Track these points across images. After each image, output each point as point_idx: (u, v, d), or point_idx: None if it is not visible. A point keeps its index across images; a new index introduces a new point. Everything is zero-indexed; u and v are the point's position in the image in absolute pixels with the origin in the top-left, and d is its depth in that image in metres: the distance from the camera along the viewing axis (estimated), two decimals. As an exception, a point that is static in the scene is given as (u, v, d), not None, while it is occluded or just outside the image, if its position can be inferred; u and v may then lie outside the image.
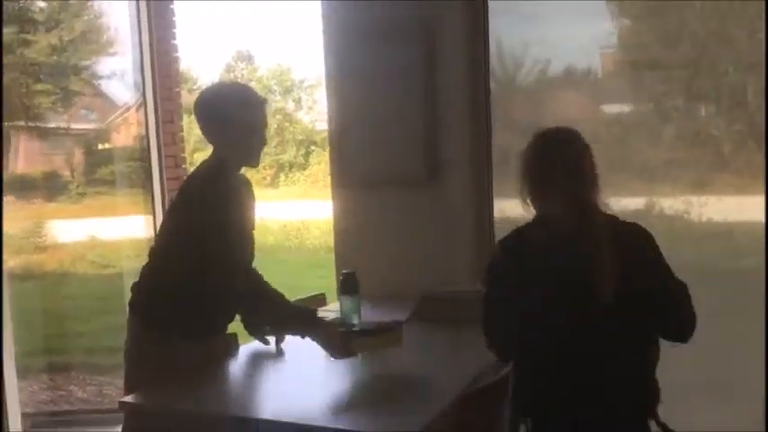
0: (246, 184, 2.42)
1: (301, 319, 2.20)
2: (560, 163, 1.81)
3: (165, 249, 2.30)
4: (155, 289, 2.28)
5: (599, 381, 1.77)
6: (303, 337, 2.15)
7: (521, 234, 1.89)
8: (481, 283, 1.92)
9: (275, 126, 17.35)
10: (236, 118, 2.24)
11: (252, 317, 2.40)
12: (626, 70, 3.15)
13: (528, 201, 1.88)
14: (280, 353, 2.36)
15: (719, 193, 2.89)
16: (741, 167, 2.89)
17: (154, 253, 2.35)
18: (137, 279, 2.35)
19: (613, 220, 1.83)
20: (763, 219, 2.80)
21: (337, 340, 2.09)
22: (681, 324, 1.83)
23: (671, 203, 2.95)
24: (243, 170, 2.37)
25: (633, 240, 1.81)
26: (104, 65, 5.90)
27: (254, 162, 2.35)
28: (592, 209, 1.80)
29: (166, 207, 3.93)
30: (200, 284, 2.15)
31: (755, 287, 2.72)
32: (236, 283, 2.22)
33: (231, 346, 2.38)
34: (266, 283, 2.34)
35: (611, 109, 3.20)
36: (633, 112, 3.11)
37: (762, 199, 2.81)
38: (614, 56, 3.18)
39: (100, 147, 5.92)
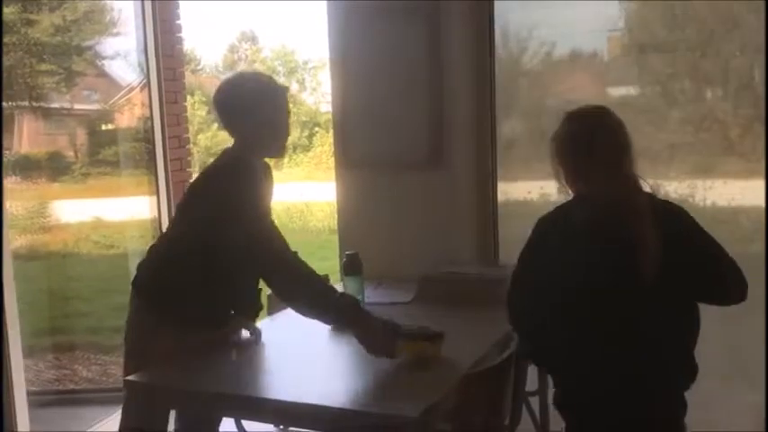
0: (267, 168, 2.39)
1: (346, 312, 2.09)
2: (601, 138, 1.81)
3: (180, 237, 2.27)
4: (162, 272, 2.27)
5: (645, 359, 1.77)
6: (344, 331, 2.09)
7: (562, 211, 1.88)
8: (519, 259, 1.91)
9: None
10: (259, 111, 2.19)
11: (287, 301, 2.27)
12: (632, 53, 3.13)
13: (564, 182, 1.89)
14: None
15: (725, 176, 2.88)
16: (747, 151, 2.87)
17: (167, 238, 2.34)
18: (143, 258, 2.35)
19: (651, 197, 1.84)
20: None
21: (380, 340, 2.02)
22: (724, 284, 1.84)
23: (676, 187, 2.94)
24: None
25: (674, 217, 1.83)
26: (108, 45, 5.87)
27: (280, 153, 2.32)
28: (633, 184, 1.81)
29: (172, 190, 3.93)
30: (211, 277, 2.14)
31: (760, 272, 2.73)
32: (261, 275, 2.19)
33: (241, 331, 2.37)
34: (310, 270, 2.19)
35: (617, 92, 3.18)
36: (639, 95, 3.10)
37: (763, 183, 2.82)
38: (621, 39, 3.16)
39: (103, 127, 5.91)
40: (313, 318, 2.14)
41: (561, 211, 1.89)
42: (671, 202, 1.90)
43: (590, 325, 1.77)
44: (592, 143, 1.81)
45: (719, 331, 2.76)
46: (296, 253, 2.24)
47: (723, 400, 2.77)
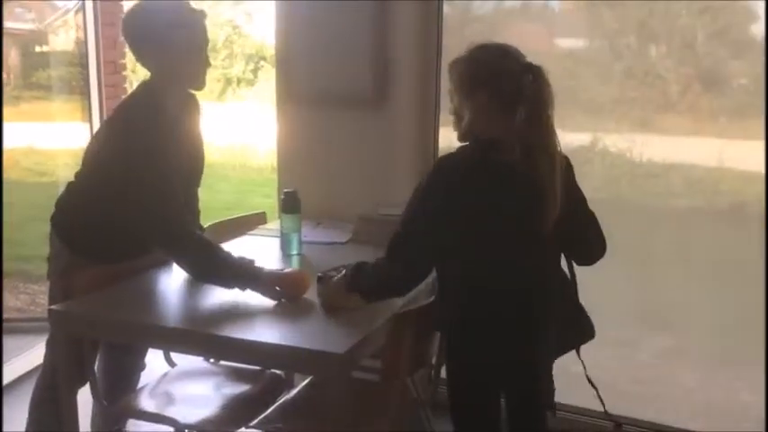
0: (190, 100, 2.31)
1: (243, 276, 2.04)
2: (529, 84, 1.71)
3: (91, 173, 2.21)
4: (77, 209, 2.22)
5: (540, 306, 1.83)
6: (243, 290, 2.05)
7: (461, 156, 1.82)
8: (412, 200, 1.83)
9: (224, 38, 16.79)
10: (172, 39, 2.05)
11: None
12: (583, 6, 3.13)
13: (468, 123, 1.79)
14: None
15: (662, 132, 2.94)
16: (685, 109, 2.93)
17: (81, 174, 2.26)
18: (61, 194, 2.28)
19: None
20: (698, 161, 2.89)
21: (274, 292, 2.02)
22: (601, 249, 1.91)
23: (615, 140, 2.99)
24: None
25: (565, 168, 1.83)
26: (44, -39, 5.56)
27: (199, 84, 2.19)
28: (552, 133, 1.76)
29: (104, 117, 3.81)
30: (124, 211, 2.07)
31: (684, 226, 2.85)
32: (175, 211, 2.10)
33: (163, 260, 2.35)
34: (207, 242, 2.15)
35: (565, 43, 3.18)
36: (586, 48, 3.11)
37: (699, 141, 2.90)
38: (573, -10, 3.15)
39: (37, 49, 5.64)
40: (211, 284, 2.10)
41: (465, 153, 1.81)
42: (562, 152, 1.84)
43: (492, 258, 1.78)
44: (520, 86, 1.71)
45: (647, 279, 2.89)
46: (186, 219, 2.18)
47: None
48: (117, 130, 2.13)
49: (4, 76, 5.37)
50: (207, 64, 2.15)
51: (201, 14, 2.13)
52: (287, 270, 2.10)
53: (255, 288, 2.02)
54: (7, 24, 5.53)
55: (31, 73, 5.29)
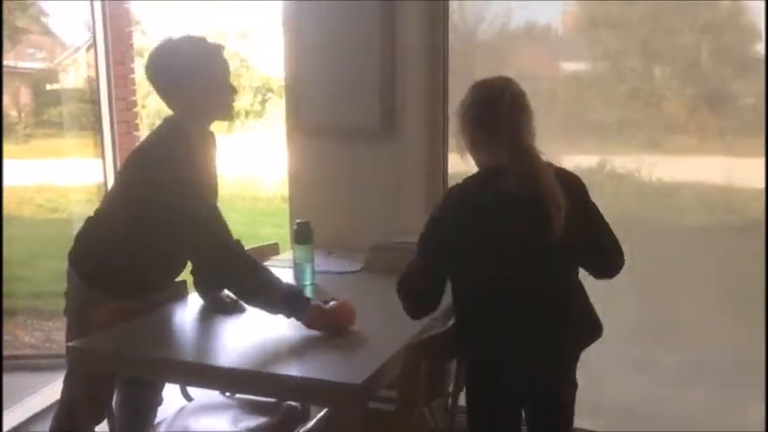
0: (210, 137, 2.34)
1: (291, 302, 2.05)
2: (506, 108, 1.81)
3: (116, 209, 2.23)
4: (98, 246, 2.23)
5: (553, 321, 1.84)
6: (288, 317, 2.04)
7: (474, 182, 1.88)
8: (423, 234, 1.89)
9: (231, 72, 16.94)
10: (197, 75, 2.11)
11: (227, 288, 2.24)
12: (585, 28, 3.16)
13: (470, 152, 1.92)
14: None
15: (670, 153, 2.96)
16: (692, 129, 2.95)
17: (102, 210, 2.29)
18: (80, 229, 2.30)
19: (552, 167, 1.88)
20: (707, 179, 2.90)
21: (319, 324, 2.01)
22: (619, 260, 1.96)
23: (623, 161, 3.01)
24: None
25: (573, 184, 1.89)
26: (53, 3, 5.67)
27: (229, 114, 2.25)
28: (534, 153, 1.83)
29: (119, 153, 3.85)
30: (149, 252, 2.12)
31: (695, 243, 2.86)
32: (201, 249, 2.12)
33: (180, 293, 2.37)
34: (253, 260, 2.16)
35: (569, 66, 3.21)
36: (590, 70, 3.13)
37: (707, 160, 2.91)
38: (575, 13, 3.18)
39: (48, 87, 5.72)
40: (255, 306, 2.11)
41: (472, 182, 1.88)
42: (567, 170, 1.93)
43: (505, 283, 1.81)
44: (497, 113, 1.81)
45: (660, 294, 2.89)
46: (238, 241, 2.18)
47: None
48: (152, 163, 2.14)
49: (16, 114, 5.45)
50: (234, 92, 2.22)
51: (219, 47, 2.19)
52: (332, 303, 2.08)
53: (301, 317, 2.01)
54: (19, 64, 5.63)
55: (43, 111, 5.37)
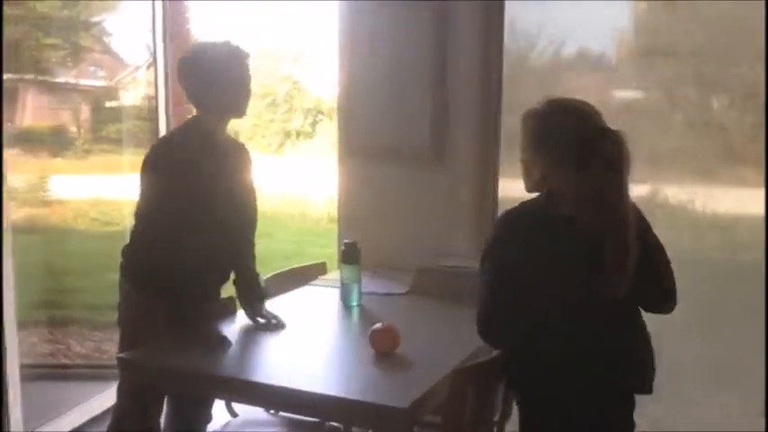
0: (236, 147, 2.42)
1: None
2: (609, 142, 1.69)
3: (142, 211, 2.28)
4: (138, 252, 2.28)
5: (611, 356, 1.77)
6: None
7: (535, 208, 1.80)
8: (484, 258, 1.81)
9: (284, 93, 17.24)
10: (224, 75, 2.22)
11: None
12: (639, 56, 3.12)
13: (538, 175, 1.78)
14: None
15: (726, 184, 2.89)
16: (750, 160, 2.88)
17: (136, 215, 2.34)
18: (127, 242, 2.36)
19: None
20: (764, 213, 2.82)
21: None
22: (673, 296, 1.86)
23: (675, 192, 2.95)
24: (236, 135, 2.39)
25: (637, 218, 1.80)
26: (115, 22, 5.86)
27: (241, 113, 2.33)
28: (628, 196, 1.73)
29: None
30: (174, 248, 2.14)
31: (753, 280, 2.75)
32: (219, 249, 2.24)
33: (227, 309, 2.39)
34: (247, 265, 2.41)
35: (622, 95, 3.18)
36: (644, 99, 3.10)
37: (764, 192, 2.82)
38: (628, 41, 3.15)
39: (107, 104, 5.90)
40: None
41: (533, 208, 1.80)
42: (634, 204, 1.82)
43: (569, 323, 1.74)
44: (592, 140, 1.70)
45: (715, 334, 2.81)
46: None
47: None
48: (150, 157, 2.26)
49: (75, 130, 5.63)
50: (250, 94, 2.32)
51: (245, 54, 2.30)
52: (377, 325, 2.08)
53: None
54: (81, 81, 5.82)
55: (101, 127, 5.53)
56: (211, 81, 2.23)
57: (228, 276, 2.42)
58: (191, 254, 2.14)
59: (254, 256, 2.49)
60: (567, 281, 1.73)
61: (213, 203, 2.23)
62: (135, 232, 2.33)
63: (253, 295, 2.41)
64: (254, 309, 2.37)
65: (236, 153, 2.41)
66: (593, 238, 1.69)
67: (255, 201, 2.49)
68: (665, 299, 1.87)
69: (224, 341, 2.13)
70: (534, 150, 1.79)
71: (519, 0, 2.98)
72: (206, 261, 2.23)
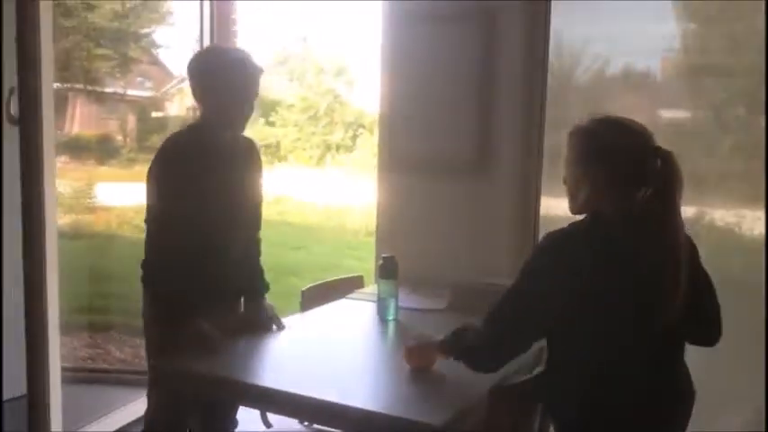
0: (241, 146, 2.39)
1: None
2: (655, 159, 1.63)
3: (150, 217, 2.27)
4: (152, 259, 2.27)
5: (654, 391, 1.71)
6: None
7: (575, 233, 1.71)
8: (522, 274, 1.73)
9: (325, 106, 17.41)
10: (232, 84, 2.21)
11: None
12: (686, 75, 3.07)
13: (586, 196, 1.71)
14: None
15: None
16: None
17: (145, 222, 2.32)
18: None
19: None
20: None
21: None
22: (718, 328, 1.80)
23: (722, 215, 2.88)
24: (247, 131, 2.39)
25: (691, 246, 1.74)
26: (163, 34, 5.99)
27: (240, 129, 2.32)
28: (678, 212, 1.65)
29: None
30: (185, 251, 2.14)
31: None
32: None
33: (258, 316, 2.38)
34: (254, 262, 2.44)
35: (669, 114, 3.13)
36: (691, 119, 3.04)
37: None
38: (675, 59, 3.10)
39: (153, 114, 6.02)
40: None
41: (578, 230, 1.71)
42: (685, 232, 1.72)
43: (605, 345, 1.67)
44: (644, 159, 1.64)
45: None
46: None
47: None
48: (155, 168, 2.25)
49: (121, 139, 5.76)
50: (252, 111, 2.29)
51: (258, 69, 2.28)
52: (412, 341, 2.06)
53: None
54: (128, 92, 5.95)
55: (147, 137, 5.64)
56: (213, 87, 2.21)
57: (241, 275, 2.43)
58: (202, 255, 2.15)
59: (260, 252, 2.50)
60: (613, 310, 1.66)
61: (214, 205, 2.21)
62: (146, 240, 2.31)
63: (258, 288, 2.43)
64: (257, 303, 2.39)
65: (240, 153, 2.38)
66: (642, 266, 1.63)
67: (260, 198, 2.48)
68: (710, 331, 1.80)
69: (219, 342, 2.11)
70: (581, 168, 1.72)
71: (565, 16, 2.96)
72: (218, 260, 2.24)
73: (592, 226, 1.71)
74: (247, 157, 2.41)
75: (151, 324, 2.30)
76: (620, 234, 1.66)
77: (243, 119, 2.29)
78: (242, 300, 2.44)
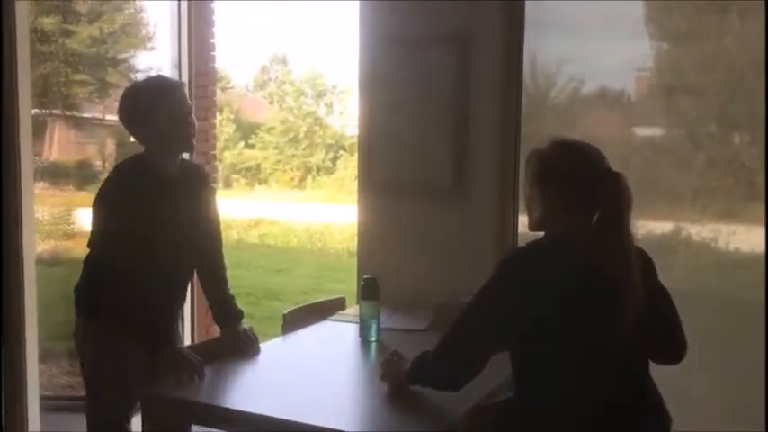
0: (189, 175, 2.40)
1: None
2: (601, 174, 1.71)
3: (91, 247, 2.30)
4: (87, 284, 2.30)
5: (621, 406, 1.71)
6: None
7: (539, 251, 1.76)
8: (477, 293, 1.77)
9: (305, 129, 17.46)
10: (156, 113, 2.22)
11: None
12: (660, 94, 3.13)
13: (540, 216, 1.77)
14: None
15: (750, 222, 2.86)
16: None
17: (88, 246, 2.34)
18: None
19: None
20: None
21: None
22: (683, 346, 1.83)
23: (698, 230, 2.92)
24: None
25: (644, 263, 1.77)
26: (142, 59, 6.00)
27: (186, 147, 2.35)
28: (626, 228, 1.70)
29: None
30: (121, 277, 2.14)
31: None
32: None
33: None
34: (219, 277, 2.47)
35: (643, 132, 3.18)
36: (665, 137, 3.09)
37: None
38: (649, 79, 3.16)
39: (132, 139, 6.00)
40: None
41: (536, 250, 1.76)
42: (638, 246, 1.77)
43: (563, 361, 1.69)
44: (592, 178, 1.71)
45: (739, 373, 2.75)
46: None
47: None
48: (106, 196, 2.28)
49: (100, 164, 5.73)
50: (188, 128, 2.30)
51: (180, 85, 2.33)
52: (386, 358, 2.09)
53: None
54: (107, 117, 5.94)
55: (126, 162, 5.63)
56: (145, 120, 2.23)
57: (182, 301, 2.48)
58: (138, 282, 2.14)
59: (225, 279, 2.50)
60: (574, 328, 1.68)
61: (159, 236, 2.21)
62: (85, 268, 2.33)
63: (228, 315, 2.43)
64: (231, 329, 2.39)
65: (188, 182, 2.38)
66: (596, 282, 1.67)
67: (217, 224, 2.48)
68: (672, 347, 1.83)
69: (198, 367, 2.11)
70: (536, 189, 1.78)
71: (539, 38, 3.01)
72: (157, 287, 2.23)
73: (549, 244, 1.76)
74: (194, 183, 2.41)
75: (86, 351, 2.33)
76: (575, 251, 1.69)
77: (178, 143, 2.30)
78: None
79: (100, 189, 2.27)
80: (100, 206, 2.25)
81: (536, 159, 1.80)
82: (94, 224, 2.27)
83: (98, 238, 2.25)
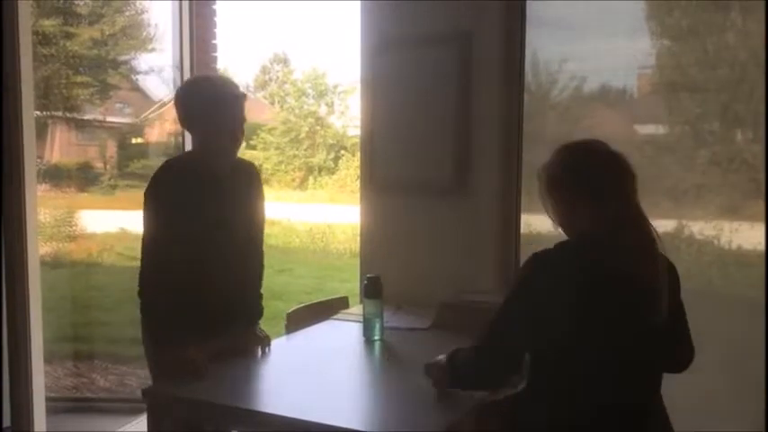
0: (244, 171, 2.42)
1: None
2: (612, 171, 1.71)
3: (146, 244, 2.28)
4: (145, 287, 2.28)
5: (633, 408, 1.72)
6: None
7: (567, 252, 1.74)
8: (510, 293, 1.77)
9: (307, 129, 17.46)
10: (215, 114, 2.24)
11: None
12: (662, 91, 3.12)
13: (561, 219, 1.78)
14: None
15: (752, 219, 2.86)
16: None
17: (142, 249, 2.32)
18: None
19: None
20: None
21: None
22: (690, 355, 1.85)
23: (701, 228, 2.92)
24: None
25: (671, 272, 1.77)
26: (143, 60, 6.00)
27: (231, 156, 2.35)
28: (646, 220, 1.71)
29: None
30: (181, 278, 2.17)
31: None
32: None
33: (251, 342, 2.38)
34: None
35: (645, 130, 3.18)
36: (667, 134, 3.08)
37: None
38: (651, 76, 3.15)
39: (134, 141, 6.01)
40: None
41: (565, 251, 1.75)
42: (666, 257, 1.77)
43: (590, 362, 1.69)
44: (601, 174, 1.72)
45: (741, 374, 2.75)
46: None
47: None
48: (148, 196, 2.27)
49: (102, 166, 5.74)
50: (237, 137, 2.32)
51: (240, 96, 2.32)
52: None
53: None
54: (108, 118, 5.94)
55: (127, 163, 5.63)
56: (198, 117, 2.26)
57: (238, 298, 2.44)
58: (197, 281, 2.17)
59: (261, 276, 2.51)
60: (603, 328, 1.68)
61: (211, 231, 2.23)
62: (141, 267, 2.31)
63: (253, 313, 2.44)
64: (251, 327, 2.40)
65: (239, 179, 2.40)
66: (623, 284, 1.66)
67: (261, 221, 2.49)
68: (682, 358, 1.85)
69: (202, 367, 2.11)
70: (549, 198, 1.80)
71: (540, 36, 3.01)
72: (211, 286, 2.25)
73: (578, 245, 1.74)
74: (247, 182, 2.44)
75: (149, 349, 2.31)
76: (603, 252, 1.68)
77: (232, 146, 2.32)
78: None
79: (155, 184, 2.24)
80: (158, 202, 2.22)
81: (543, 171, 1.82)
82: (153, 220, 2.22)
83: (158, 235, 2.21)
